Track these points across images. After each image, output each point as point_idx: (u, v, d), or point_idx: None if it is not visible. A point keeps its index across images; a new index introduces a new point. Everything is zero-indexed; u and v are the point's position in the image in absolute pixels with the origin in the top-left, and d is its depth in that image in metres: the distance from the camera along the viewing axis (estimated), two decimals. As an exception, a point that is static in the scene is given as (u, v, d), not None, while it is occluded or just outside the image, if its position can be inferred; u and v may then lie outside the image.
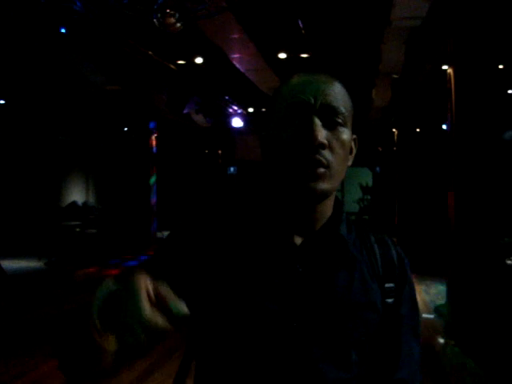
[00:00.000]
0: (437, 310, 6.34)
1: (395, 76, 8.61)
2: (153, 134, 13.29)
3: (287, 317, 0.94)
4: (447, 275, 6.26)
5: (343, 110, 0.99)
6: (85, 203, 13.19)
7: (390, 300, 1.03)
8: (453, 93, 5.65)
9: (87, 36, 6.71)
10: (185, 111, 11.13)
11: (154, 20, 5.57)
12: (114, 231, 12.45)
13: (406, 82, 8.89)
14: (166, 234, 11.98)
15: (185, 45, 7.59)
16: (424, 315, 6.29)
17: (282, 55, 8.04)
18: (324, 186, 0.96)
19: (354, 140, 1.06)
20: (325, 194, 0.98)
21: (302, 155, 0.94)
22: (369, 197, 19.56)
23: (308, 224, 1.01)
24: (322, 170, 0.94)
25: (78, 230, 11.58)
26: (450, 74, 5.76)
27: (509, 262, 8.22)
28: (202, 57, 8.18)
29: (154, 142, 13.35)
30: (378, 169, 18.49)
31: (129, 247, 11.83)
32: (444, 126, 11.03)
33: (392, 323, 1.04)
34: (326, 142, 0.94)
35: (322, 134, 0.94)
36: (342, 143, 0.98)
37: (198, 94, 10.82)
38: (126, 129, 13.48)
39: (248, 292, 0.95)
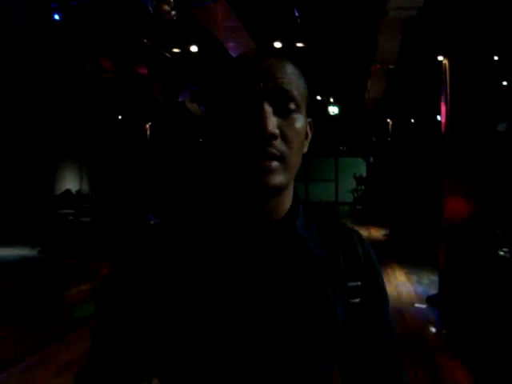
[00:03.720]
0: (429, 300, 6.38)
1: (391, 66, 8.60)
2: (147, 122, 13.25)
3: (244, 329, 0.85)
4: (440, 265, 6.30)
5: (296, 93, 0.87)
6: (79, 191, 13.17)
7: (355, 300, 0.94)
8: (448, 84, 5.66)
9: (82, 23, 6.67)
10: (179, 99, 11.10)
11: (149, 7, 5.55)
12: (107, 219, 12.43)
13: (402, 73, 8.89)
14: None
15: (180, 33, 7.56)
16: (416, 305, 6.34)
17: (278, 44, 8.02)
18: (278, 180, 0.85)
19: (310, 124, 0.96)
20: (279, 189, 0.87)
21: (252, 147, 0.83)
22: (363, 187, 19.60)
23: (263, 220, 0.90)
24: (274, 163, 0.84)
25: (71, 218, 11.56)
26: (445, 64, 5.76)
27: (501, 253, 8.28)
28: (197, 45, 8.15)
29: (148, 131, 13.32)
30: (372, 159, 18.51)
31: (123, 236, 11.83)
32: (439, 117, 11.06)
33: (363, 321, 0.96)
34: (277, 131, 0.84)
35: (273, 123, 0.83)
36: (296, 131, 0.87)
37: (192, 82, 10.79)
38: (120, 117, 13.43)
39: (200, 302, 0.86)
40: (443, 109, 5.90)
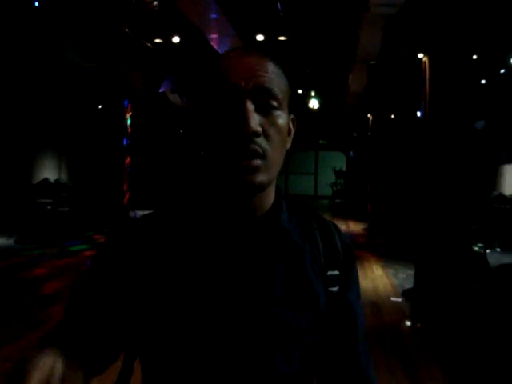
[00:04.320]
0: (404, 293, 6.47)
1: (372, 62, 8.66)
2: (127, 112, 13.15)
3: (227, 312, 0.88)
4: (415, 260, 6.40)
5: (278, 91, 0.89)
6: (57, 180, 13.03)
7: (334, 288, 0.97)
8: (427, 81, 5.73)
9: (63, 12, 6.59)
10: (160, 90, 11.04)
11: (132, -3, 5.51)
12: (85, 209, 12.34)
13: (383, 69, 8.96)
14: (138, 212, 11.94)
15: (162, 23, 7.52)
16: (392, 298, 6.42)
17: (260, 37, 8.02)
18: (261, 177, 0.87)
19: (292, 120, 0.98)
20: (262, 186, 0.89)
21: (235, 145, 0.85)
22: (342, 181, 19.73)
23: (248, 215, 0.94)
24: (257, 161, 0.86)
25: (49, 207, 11.45)
26: (425, 62, 5.83)
27: (475, 248, 8.43)
28: (179, 36, 8.11)
29: (128, 121, 13.23)
30: (351, 153, 18.64)
31: (100, 225, 11.77)
32: (418, 114, 11.18)
33: (340, 310, 0.99)
34: (260, 129, 0.86)
35: (255, 121, 0.85)
36: (279, 128, 0.89)
37: (174, 73, 10.74)
38: (100, 106, 13.31)
39: (184, 288, 0.89)
40: (422, 105, 5.97)
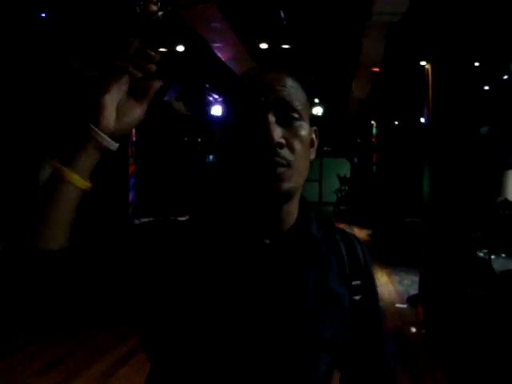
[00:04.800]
0: (409, 300, 6.47)
1: (375, 69, 8.69)
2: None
3: (260, 319, 0.90)
4: (420, 266, 6.39)
5: (297, 103, 0.93)
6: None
7: (357, 297, 1.03)
8: (430, 88, 5.74)
9: (68, 21, 6.65)
10: (165, 98, 11.09)
11: (136, 7, 5.56)
12: (88, 220, 12.36)
13: (386, 76, 8.98)
14: (143, 220, 11.93)
15: (166, 33, 7.56)
16: (397, 305, 6.42)
17: (264, 45, 8.05)
18: (287, 185, 0.90)
19: (315, 132, 1.02)
20: (289, 194, 0.92)
21: (260, 158, 0.89)
22: (346, 187, 19.70)
23: (275, 225, 0.96)
24: (282, 169, 0.89)
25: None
26: (427, 69, 5.85)
27: (480, 254, 8.41)
28: (183, 45, 8.16)
29: (133, 130, 13.27)
30: (356, 160, 18.62)
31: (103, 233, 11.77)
32: (422, 120, 11.19)
33: (362, 319, 1.05)
34: (283, 140, 0.90)
35: (278, 133, 0.89)
36: (300, 139, 0.93)
37: (178, 81, 10.79)
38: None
39: (218, 296, 0.89)
40: (426, 112, 5.99)
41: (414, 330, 5.54)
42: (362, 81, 9.70)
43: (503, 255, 9.38)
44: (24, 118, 11.58)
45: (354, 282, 1.03)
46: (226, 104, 0.98)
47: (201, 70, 10.07)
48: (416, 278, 6.80)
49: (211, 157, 17.39)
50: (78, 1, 5.84)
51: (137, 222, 12.65)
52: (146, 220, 1.06)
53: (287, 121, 0.92)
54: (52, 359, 4.43)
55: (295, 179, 0.92)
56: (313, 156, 1.00)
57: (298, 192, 0.97)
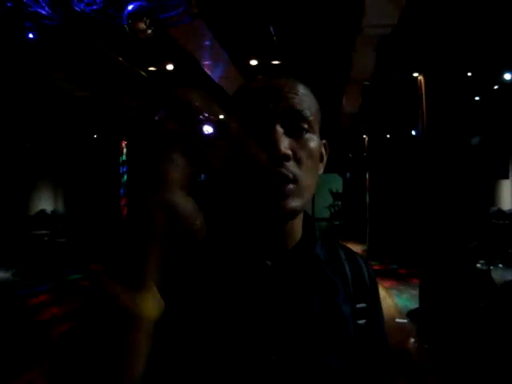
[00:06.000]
0: (409, 314, 6.39)
1: (366, 83, 8.70)
2: (123, 140, 13.15)
3: (265, 351, 0.82)
4: (419, 280, 6.33)
5: (308, 113, 0.86)
6: (53, 211, 12.95)
7: (361, 321, 0.95)
8: (423, 99, 5.74)
9: (56, 42, 6.61)
10: (156, 118, 11.04)
11: (125, 26, 5.52)
12: (83, 240, 12.25)
13: (377, 89, 9.00)
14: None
15: (156, 51, 7.54)
16: (397, 320, 6.34)
17: (254, 62, 8.05)
18: (293, 203, 0.82)
19: (325, 145, 0.95)
20: (295, 212, 0.84)
21: (265, 170, 0.80)
22: (339, 203, 19.70)
23: (278, 243, 0.89)
24: (289, 186, 0.81)
25: (46, 238, 11.35)
26: (420, 81, 5.85)
27: (478, 265, 8.37)
28: (173, 63, 8.14)
29: (123, 149, 13.22)
30: (348, 175, 18.66)
31: (99, 255, 11.67)
32: (413, 132, 11.22)
33: (369, 341, 0.96)
34: (290, 152, 0.82)
35: (285, 144, 0.81)
36: (310, 152, 0.85)
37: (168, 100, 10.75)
38: (95, 136, 13.31)
39: (221, 323, 0.82)
40: (420, 124, 5.97)
41: (416, 344, 5.45)
42: (353, 95, 9.72)
43: (500, 265, 9.34)
44: (14, 140, 11.50)
45: (358, 305, 0.95)
46: (232, 109, 0.87)
47: (191, 88, 10.04)
48: (415, 292, 6.74)
49: (203, 176, 17.35)
50: (66, 21, 5.79)
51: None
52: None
53: (296, 131, 0.85)
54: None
55: (302, 196, 0.84)
56: (321, 171, 0.93)
57: (303, 209, 0.89)
